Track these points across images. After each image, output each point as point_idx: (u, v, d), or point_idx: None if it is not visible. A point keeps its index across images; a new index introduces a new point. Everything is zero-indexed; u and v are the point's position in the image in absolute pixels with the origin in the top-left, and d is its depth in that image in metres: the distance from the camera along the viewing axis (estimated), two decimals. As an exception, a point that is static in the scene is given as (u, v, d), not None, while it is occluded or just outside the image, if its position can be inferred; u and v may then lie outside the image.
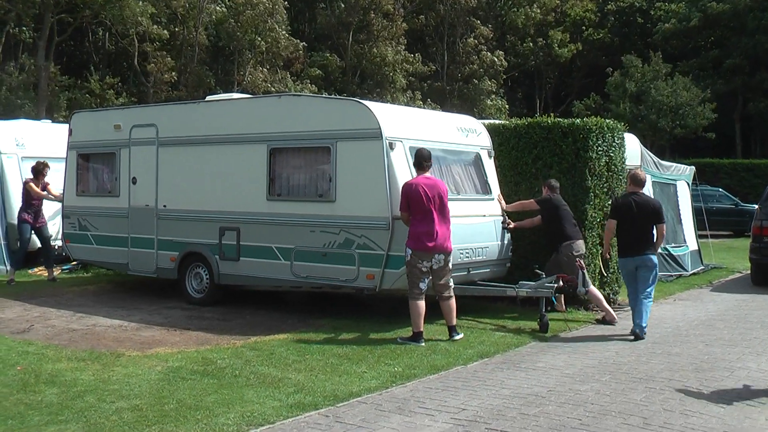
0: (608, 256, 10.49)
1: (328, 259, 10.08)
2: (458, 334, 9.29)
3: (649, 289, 9.57)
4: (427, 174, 9.24)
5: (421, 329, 8.96)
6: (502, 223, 10.91)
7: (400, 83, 38.58)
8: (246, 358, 8.19)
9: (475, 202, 10.78)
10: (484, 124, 12.18)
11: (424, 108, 35.31)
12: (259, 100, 12.23)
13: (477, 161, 11.24)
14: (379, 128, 9.69)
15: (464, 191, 10.70)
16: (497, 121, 13.37)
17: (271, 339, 9.22)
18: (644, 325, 9.51)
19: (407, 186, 9.07)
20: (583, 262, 9.89)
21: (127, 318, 10.60)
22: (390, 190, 9.58)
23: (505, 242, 11.03)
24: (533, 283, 10.27)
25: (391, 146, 9.68)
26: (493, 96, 41.99)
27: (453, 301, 9.22)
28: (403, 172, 9.74)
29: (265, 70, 35.72)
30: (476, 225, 10.52)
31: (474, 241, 10.30)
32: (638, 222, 9.43)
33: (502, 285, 10.59)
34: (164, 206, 11.96)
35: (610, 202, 10.95)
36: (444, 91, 42.66)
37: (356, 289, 10.24)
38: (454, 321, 9.30)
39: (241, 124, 11.23)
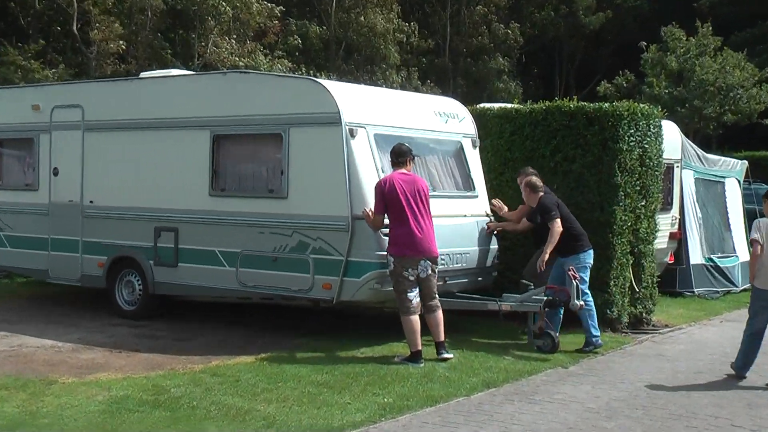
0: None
1: (279, 265, 10.28)
2: (447, 352, 9.55)
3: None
4: (405, 170, 9.53)
5: (419, 347, 9.27)
6: (487, 225, 11.10)
7: (394, 59, 38.64)
8: (206, 386, 8.18)
9: (454, 200, 11.00)
10: (491, 110, 12.43)
11: (424, 90, 35.52)
12: (201, 78, 12.49)
13: (458, 152, 11.43)
14: (338, 112, 9.86)
15: (442, 187, 10.90)
16: (508, 105, 13.59)
17: (236, 362, 9.27)
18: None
19: (381, 185, 9.32)
20: (576, 272, 10.04)
21: (62, 337, 10.54)
22: (350, 185, 9.77)
23: (491, 248, 11.24)
24: (519, 295, 10.47)
25: (352, 133, 9.88)
26: (505, 76, 42.05)
27: (440, 314, 9.53)
28: (366, 164, 9.94)
29: (233, 41, 35.71)
30: (455, 227, 10.71)
31: (452, 245, 10.48)
32: None
33: (483, 298, 10.79)
34: (91, 202, 12.14)
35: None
36: (446, 69, 42.72)
37: (311, 301, 10.50)
38: (443, 336, 9.56)
39: (180, 106, 11.44)
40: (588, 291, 10.33)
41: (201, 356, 9.59)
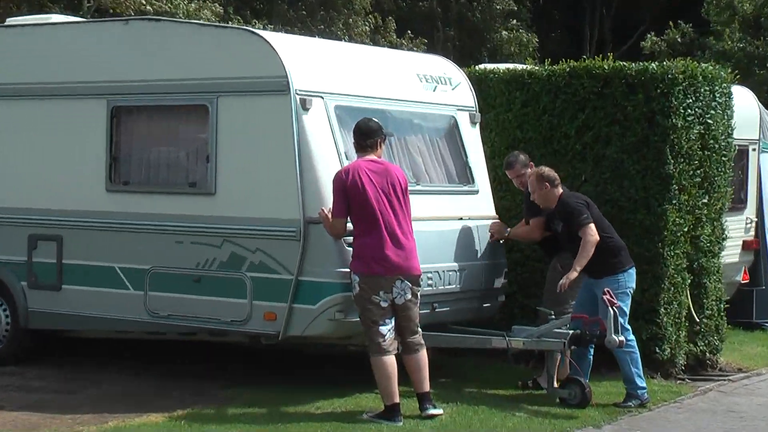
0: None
1: (204, 287, 10.30)
2: (435, 407, 9.59)
3: None
4: (373, 156, 9.53)
5: (396, 400, 9.29)
6: (492, 231, 11.15)
7: (361, 1, 38.41)
8: None
9: (445, 197, 11.02)
10: (496, 71, 12.44)
11: (402, 45, 35.25)
12: (93, 28, 12.44)
13: (451, 130, 11.44)
14: (286, 76, 9.82)
15: (428, 179, 10.91)
16: (520, 66, 13.57)
17: (142, 422, 9.20)
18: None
19: (341, 177, 9.33)
20: (613, 297, 9.97)
21: None
22: (302, 176, 9.79)
23: (497, 262, 11.27)
24: (534, 328, 10.47)
25: (305, 105, 9.88)
26: (515, 22, 41.89)
27: (425, 354, 9.56)
28: (325, 147, 10.00)
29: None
30: (446, 233, 10.76)
31: (442, 259, 10.54)
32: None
33: (486, 331, 10.76)
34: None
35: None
36: (433, 16, 42.36)
37: (249, 336, 10.53)
38: (428, 385, 9.57)
39: (63, 67, 11.40)
40: (628, 326, 10.25)
41: (94, 414, 9.50)
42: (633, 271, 10.43)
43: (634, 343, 10.26)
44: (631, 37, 47.42)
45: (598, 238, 10.08)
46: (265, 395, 10.25)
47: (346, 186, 9.23)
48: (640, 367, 10.27)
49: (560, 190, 10.43)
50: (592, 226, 10.13)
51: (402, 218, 9.42)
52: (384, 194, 9.31)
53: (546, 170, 10.53)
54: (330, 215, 9.46)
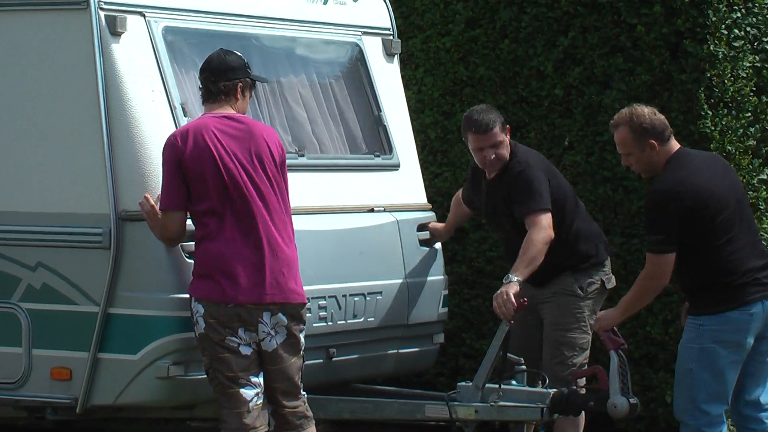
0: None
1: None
2: None
3: None
4: (230, 110, 6.18)
5: None
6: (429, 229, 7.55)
7: None
8: None
9: (346, 176, 7.40)
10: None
11: None
12: None
13: (354, 67, 7.75)
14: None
15: (317, 148, 7.19)
16: None
17: None
18: None
19: (176, 143, 6.09)
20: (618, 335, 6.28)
21: None
22: (111, 144, 6.14)
23: (430, 279, 7.63)
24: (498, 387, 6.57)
25: (116, 26, 6.17)
26: None
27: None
28: (147, 94, 6.37)
29: None
30: (349, 234, 7.05)
31: (342, 277, 6.95)
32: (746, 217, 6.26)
33: (417, 392, 7.30)
34: None
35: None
36: None
37: (27, 409, 6.76)
38: None
39: None
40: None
41: None
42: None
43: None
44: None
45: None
46: None
47: (184, 158, 5.99)
48: None
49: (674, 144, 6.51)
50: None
51: (274, 209, 6.02)
52: (245, 171, 5.97)
53: (647, 113, 6.26)
54: (158, 206, 6.16)
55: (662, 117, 6.04)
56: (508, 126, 6.89)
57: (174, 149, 5.76)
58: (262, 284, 5.77)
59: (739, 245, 5.72)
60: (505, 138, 6.71)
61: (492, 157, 6.69)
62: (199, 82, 6.05)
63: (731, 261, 5.68)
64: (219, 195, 5.79)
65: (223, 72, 5.94)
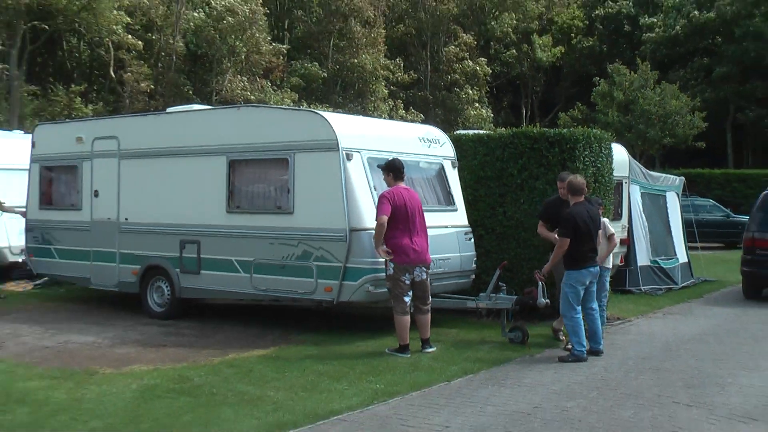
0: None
1: (287, 271, 10.10)
2: (431, 347, 9.33)
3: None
4: (402, 183, 9.27)
5: (407, 341, 9.03)
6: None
7: (382, 93, 38.72)
8: (224, 376, 8.09)
9: (437, 213, 10.80)
10: (467, 135, 12.31)
11: (408, 118, 35.56)
12: (218, 112, 12.31)
13: (440, 172, 11.30)
14: (336, 139, 9.76)
15: (426, 202, 10.64)
16: (481, 131, 13.46)
17: (249, 355, 9.12)
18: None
19: (390, 194, 8.99)
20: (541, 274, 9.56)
21: (101, 335, 10.42)
22: (347, 201, 9.63)
23: (468, 254, 11.09)
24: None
25: (348, 157, 9.76)
26: (477, 105, 42.10)
27: (429, 316, 9.30)
28: (361, 183, 9.84)
29: (244, 78, 35.81)
30: (438, 236, 10.52)
31: (436, 252, 10.21)
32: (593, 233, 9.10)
33: (462, 297, 10.63)
34: (126, 219, 12.03)
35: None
36: (427, 101, 42.77)
37: (314, 302, 10.32)
38: (428, 334, 9.36)
39: (201, 136, 11.33)
40: (578, 306, 9.06)
41: (219, 350, 9.46)
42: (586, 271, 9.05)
43: (577, 320, 8.96)
44: (551, 113, 47.90)
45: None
46: (324, 338, 10.16)
47: (395, 200, 8.97)
48: (580, 335, 8.94)
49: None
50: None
51: (421, 225, 9.19)
52: (410, 209, 9.08)
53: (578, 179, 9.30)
54: (380, 248, 9.03)
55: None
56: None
57: (391, 197, 8.94)
58: (417, 256, 9.04)
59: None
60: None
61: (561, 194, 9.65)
62: (389, 172, 9.20)
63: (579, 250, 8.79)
64: (403, 218, 8.97)
65: (401, 168, 9.25)
